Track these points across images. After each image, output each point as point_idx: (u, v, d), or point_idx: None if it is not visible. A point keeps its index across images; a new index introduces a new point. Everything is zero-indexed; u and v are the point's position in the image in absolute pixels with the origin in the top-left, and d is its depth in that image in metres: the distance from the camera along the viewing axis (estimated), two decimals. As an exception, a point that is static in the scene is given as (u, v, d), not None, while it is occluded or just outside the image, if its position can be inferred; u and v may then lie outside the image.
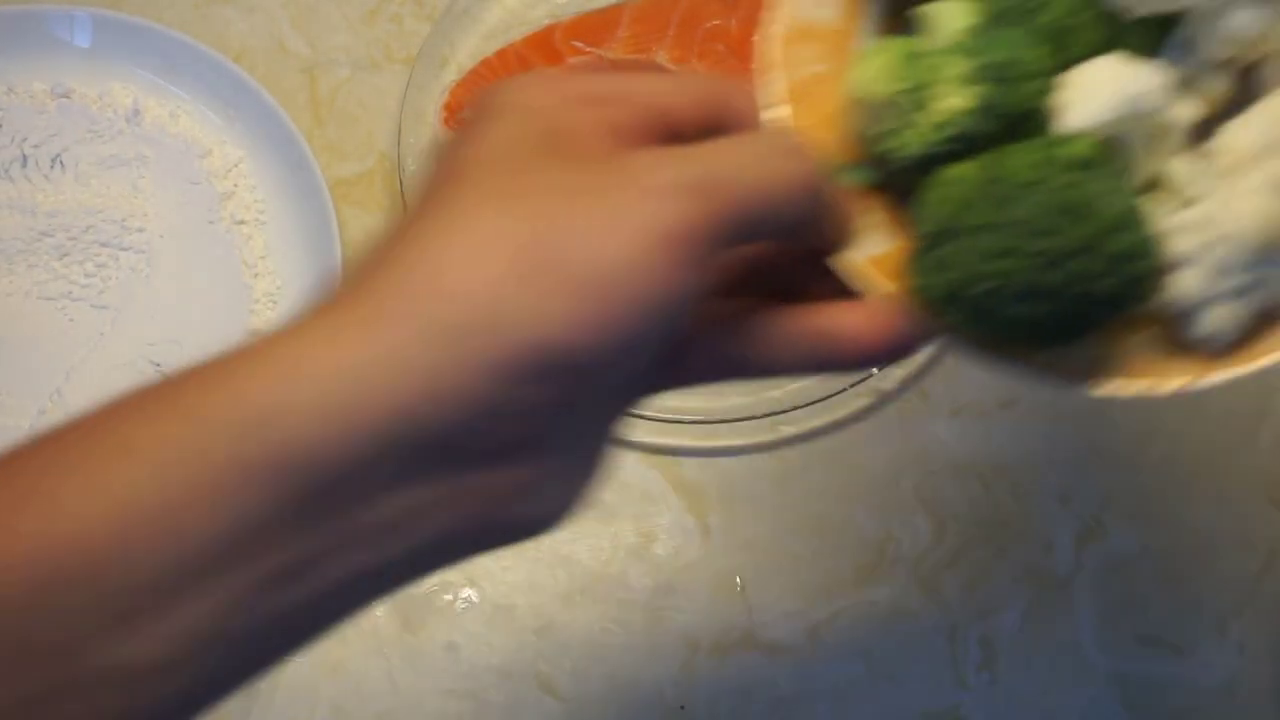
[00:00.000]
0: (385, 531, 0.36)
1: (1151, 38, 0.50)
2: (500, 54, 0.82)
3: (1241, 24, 0.49)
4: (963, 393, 0.77)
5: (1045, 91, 0.47)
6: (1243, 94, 0.51)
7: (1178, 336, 0.49)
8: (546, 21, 0.83)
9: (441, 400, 0.35)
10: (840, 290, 0.45)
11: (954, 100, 0.47)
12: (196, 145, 0.81)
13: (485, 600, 0.73)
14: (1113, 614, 0.72)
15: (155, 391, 0.35)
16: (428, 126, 0.81)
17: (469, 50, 0.84)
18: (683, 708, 0.70)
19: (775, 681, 0.71)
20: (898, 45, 0.48)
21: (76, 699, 0.33)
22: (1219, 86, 0.50)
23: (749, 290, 0.45)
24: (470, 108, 0.41)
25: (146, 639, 0.33)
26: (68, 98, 0.81)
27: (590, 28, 0.83)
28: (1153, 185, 0.50)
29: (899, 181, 0.48)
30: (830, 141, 0.49)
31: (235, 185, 0.80)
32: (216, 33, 0.85)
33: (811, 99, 0.49)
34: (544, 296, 0.35)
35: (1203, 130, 0.50)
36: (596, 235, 0.36)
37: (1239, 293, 0.48)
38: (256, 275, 0.78)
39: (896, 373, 0.77)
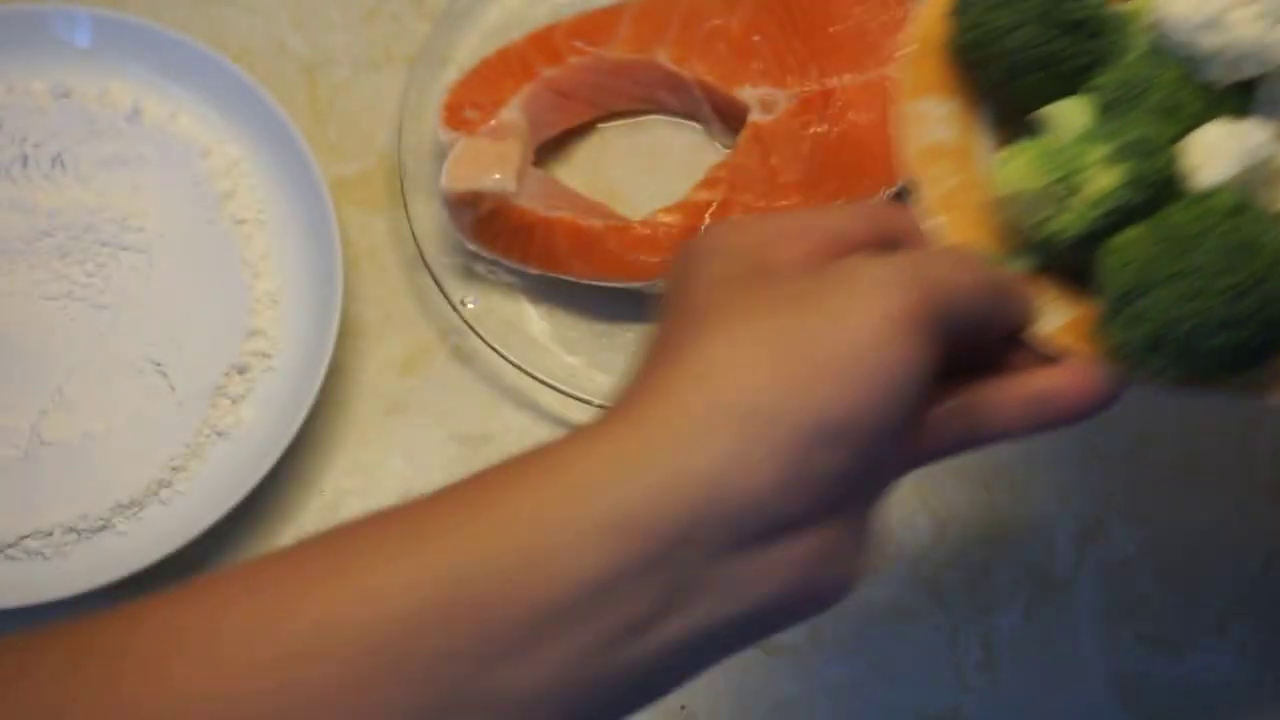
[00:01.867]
0: (711, 597, 0.41)
1: (1241, 101, 0.57)
2: (500, 53, 0.82)
3: None
4: (963, 392, 0.77)
5: (1173, 160, 0.55)
6: None
7: None
8: (547, 21, 0.83)
9: (749, 472, 0.40)
10: (1034, 361, 0.52)
11: (1104, 180, 0.54)
12: (196, 145, 0.81)
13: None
14: (1113, 614, 0.72)
15: (506, 470, 0.42)
16: (428, 126, 0.81)
17: (469, 49, 0.84)
18: (683, 707, 0.70)
19: (776, 681, 0.71)
20: (1035, 145, 0.55)
21: (468, 714, 0.39)
22: None
23: (954, 375, 0.49)
24: (676, 256, 0.48)
25: (523, 672, 0.39)
26: (67, 97, 0.81)
27: (591, 27, 0.83)
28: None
29: (1057, 261, 0.56)
30: (985, 238, 0.57)
31: (235, 185, 0.80)
32: (216, 32, 0.85)
33: (958, 207, 0.57)
34: (806, 381, 0.41)
35: None
36: (835, 327, 0.42)
37: None
38: (256, 275, 0.78)
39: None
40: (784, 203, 0.77)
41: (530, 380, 0.75)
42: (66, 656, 0.39)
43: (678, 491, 0.40)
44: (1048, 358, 0.53)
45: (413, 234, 0.78)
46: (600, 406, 0.74)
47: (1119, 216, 0.55)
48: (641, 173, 0.82)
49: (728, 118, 0.82)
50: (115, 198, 0.79)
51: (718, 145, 0.83)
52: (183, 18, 0.85)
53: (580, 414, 0.76)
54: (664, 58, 0.81)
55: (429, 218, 0.79)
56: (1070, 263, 0.56)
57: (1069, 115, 0.57)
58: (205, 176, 0.80)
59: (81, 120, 0.80)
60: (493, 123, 0.79)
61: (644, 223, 0.77)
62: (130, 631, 0.39)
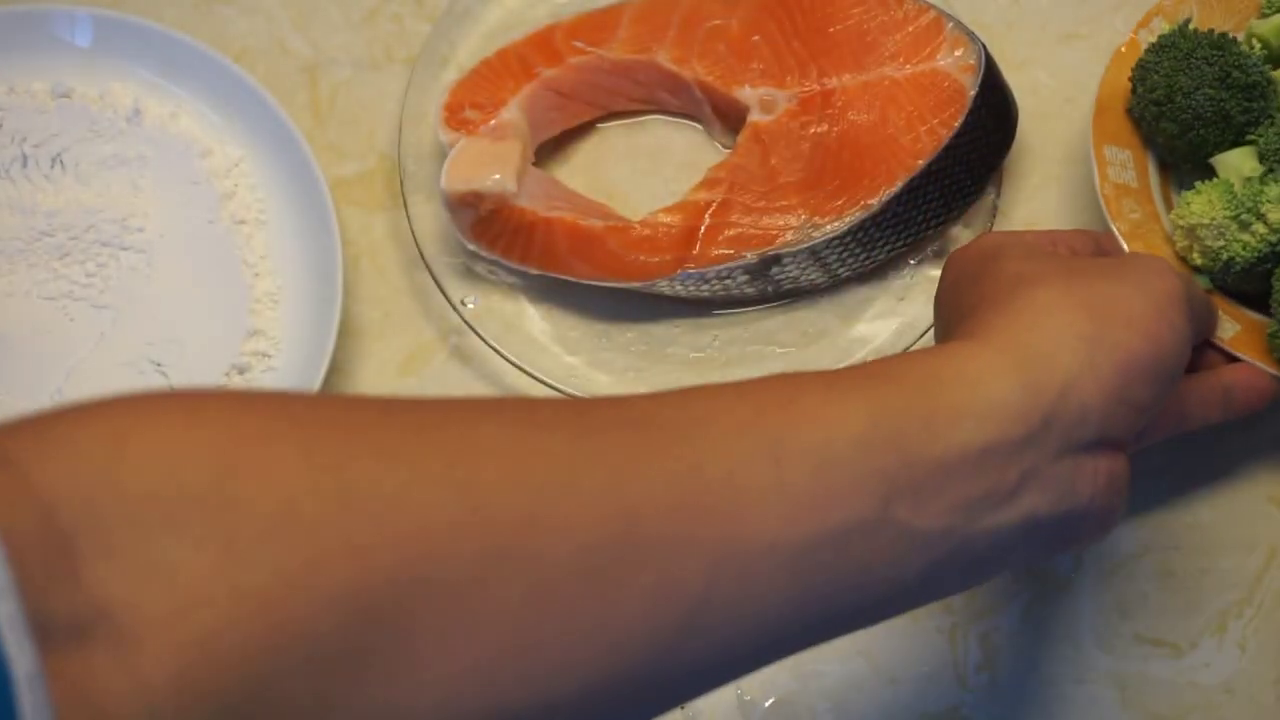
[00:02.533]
0: (1046, 489, 0.49)
1: None
2: (500, 54, 0.82)
3: None
4: (963, 392, 0.77)
5: None
6: None
7: None
8: (547, 21, 0.83)
9: (1088, 386, 0.50)
10: (1219, 361, 0.66)
11: (1278, 214, 0.67)
12: (197, 145, 0.81)
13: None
14: (1113, 613, 0.72)
15: (894, 361, 0.54)
16: (428, 126, 0.81)
17: (469, 50, 0.84)
18: (683, 707, 0.70)
19: (776, 682, 0.71)
20: (1214, 185, 0.69)
21: (882, 535, 0.46)
22: None
23: None
24: (955, 261, 0.62)
25: (923, 511, 0.46)
26: (68, 97, 0.81)
27: (590, 27, 0.83)
28: None
29: (1226, 283, 0.70)
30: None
31: (236, 185, 0.80)
32: (217, 32, 0.85)
33: (1143, 236, 0.71)
34: (1124, 329, 0.52)
35: None
36: (1136, 293, 0.53)
37: None
38: (257, 275, 0.78)
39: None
40: (783, 203, 0.77)
41: (530, 380, 0.75)
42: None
43: (1040, 392, 0.49)
44: (1232, 358, 0.66)
45: (413, 234, 0.78)
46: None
47: None
48: (641, 173, 0.82)
49: (728, 118, 0.82)
50: (115, 198, 0.79)
51: (718, 145, 0.83)
52: (183, 18, 0.85)
53: (580, 414, 0.76)
54: (664, 58, 0.81)
55: (429, 218, 0.79)
56: (1235, 285, 0.70)
57: (1237, 162, 0.71)
58: (205, 176, 0.80)
59: (82, 120, 0.80)
60: (493, 123, 0.79)
61: (644, 223, 0.77)
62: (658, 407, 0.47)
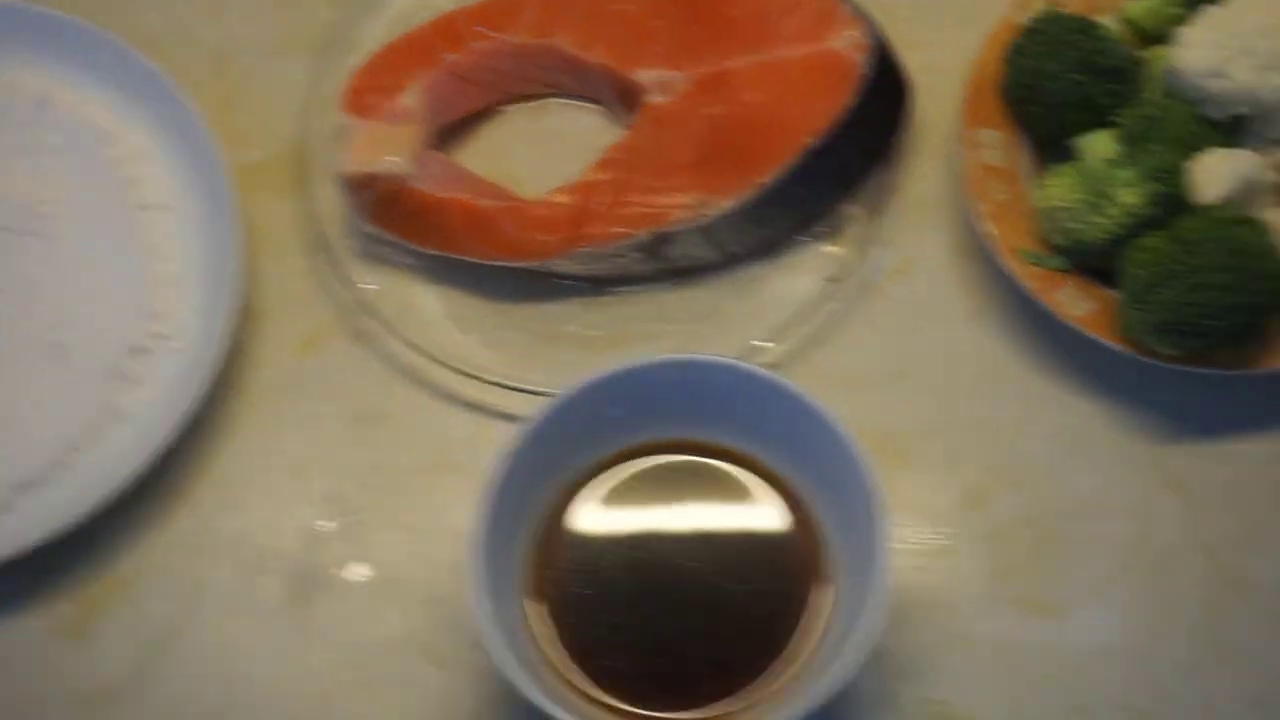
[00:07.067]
0: None
1: (1235, 133, 0.72)
2: (404, 39, 0.83)
3: None
4: (852, 364, 0.77)
5: (1183, 180, 0.70)
6: None
7: None
8: (452, 7, 0.84)
9: None
10: None
11: (1130, 198, 0.70)
12: (103, 132, 0.82)
13: (376, 574, 0.73)
14: (991, 578, 0.72)
15: None
16: (333, 111, 0.82)
17: (376, 36, 0.85)
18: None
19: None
20: (1073, 169, 0.72)
21: None
22: None
23: None
24: None
25: None
26: (-28, 86, 0.82)
27: (495, 13, 0.83)
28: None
29: (1084, 262, 0.72)
30: (1029, 242, 0.73)
31: (141, 171, 0.81)
32: (126, 21, 0.86)
33: (1006, 218, 0.74)
34: None
35: None
36: None
37: None
38: (159, 259, 0.79)
39: (786, 347, 0.77)
40: (676, 181, 0.78)
41: (427, 359, 0.76)
42: None
43: None
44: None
45: (316, 218, 0.79)
46: (492, 383, 0.75)
47: (1139, 226, 0.70)
48: (543, 155, 0.83)
49: (628, 100, 0.83)
50: (21, 184, 0.80)
51: (619, 128, 0.84)
52: (90, 5, 0.86)
53: (474, 391, 0.77)
54: (566, 42, 0.82)
55: (333, 201, 0.80)
56: (1093, 264, 0.72)
57: (1099, 145, 0.72)
58: (112, 163, 0.81)
59: (-13, 108, 0.81)
60: (392, 107, 0.80)
61: (538, 202, 0.78)
62: None
